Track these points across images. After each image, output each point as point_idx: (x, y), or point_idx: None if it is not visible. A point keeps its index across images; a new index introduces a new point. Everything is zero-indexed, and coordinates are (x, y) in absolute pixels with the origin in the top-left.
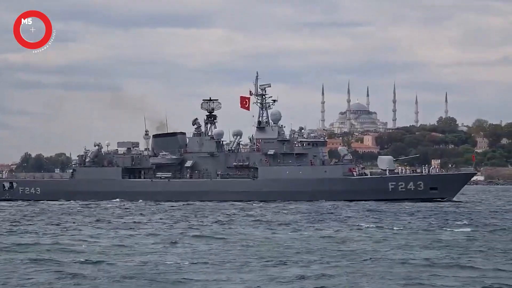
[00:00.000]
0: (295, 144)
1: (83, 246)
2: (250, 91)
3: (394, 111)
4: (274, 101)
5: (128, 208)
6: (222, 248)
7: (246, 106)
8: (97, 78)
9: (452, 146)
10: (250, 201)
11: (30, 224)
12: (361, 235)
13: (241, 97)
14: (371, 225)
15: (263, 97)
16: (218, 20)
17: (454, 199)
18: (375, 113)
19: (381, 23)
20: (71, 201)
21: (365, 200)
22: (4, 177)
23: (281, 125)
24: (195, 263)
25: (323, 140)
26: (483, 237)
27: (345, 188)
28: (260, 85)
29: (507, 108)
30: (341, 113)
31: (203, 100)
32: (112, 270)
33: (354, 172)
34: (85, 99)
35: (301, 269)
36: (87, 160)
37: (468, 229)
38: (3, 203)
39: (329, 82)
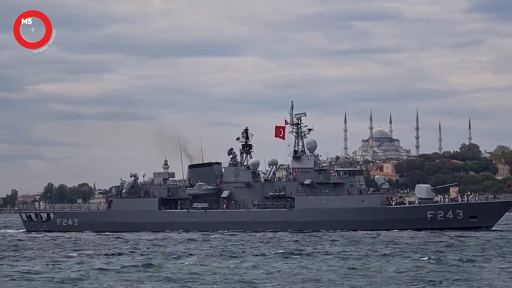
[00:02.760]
0: (332, 173)
1: None
2: (286, 120)
3: (417, 138)
4: (310, 130)
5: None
6: None
7: (281, 135)
8: (129, 108)
9: (473, 173)
10: (287, 231)
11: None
12: None
13: (276, 127)
14: None
15: (299, 126)
16: (249, 48)
17: (495, 228)
18: (398, 140)
19: (412, 50)
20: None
21: (404, 230)
22: (41, 208)
23: (317, 154)
24: None
25: (360, 169)
26: None
27: (383, 217)
28: (295, 114)
29: None
30: (364, 141)
31: (244, 130)
32: None
33: (392, 201)
34: (117, 129)
35: None
36: (123, 191)
37: None
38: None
39: (356, 109)
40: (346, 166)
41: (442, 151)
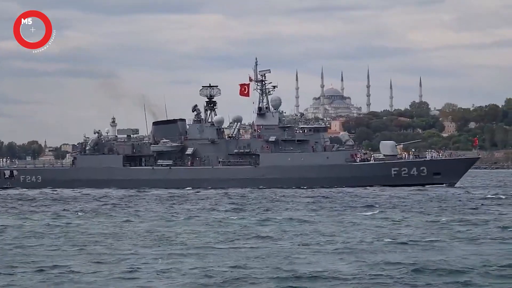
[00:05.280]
0: (296, 130)
1: None
2: (250, 77)
3: (368, 95)
4: (274, 87)
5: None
6: None
7: (246, 93)
8: (89, 65)
9: (419, 130)
10: (251, 188)
11: None
12: None
13: (240, 85)
14: None
15: (263, 83)
16: (212, 6)
17: (458, 184)
18: (349, 98)
19: (373, 7)
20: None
21: (368, 186)
22: (4, 165)
23: (282, 111)
24: None
25: (324, 126)
26: None
27: (347, 174)
28: (259, 71)
29: (497, 91)
30: (315, 99)
31: (202, 86)
32: None
33: (356, 158)
34: (77, 86)
35: None
36: (87, 148)
37: None
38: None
39: (317, 67)
40: (311, 123)
41: (393, 109)
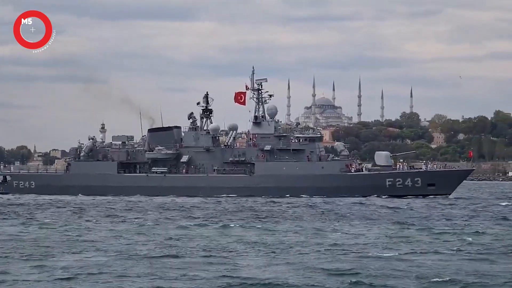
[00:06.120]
0: (292, 139)
1: None
2: (247, 86)
3: (359, 105)
4: (271, 96)
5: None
6: None
7: (242, 101)
8: (83, 71)
9: (408, 141)
10: (246, 196)
11: None
12: None
13: (236, 93)
14: None
15: (259, 92)
16: (206, 13)
17: (452, 196)
18: (340, 107)
19: (368, 18)
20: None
21: (362, 197)
22: None
23: (278, 120)
24: None
25: (320, 135)
26: None
27: (342, 184)
28: (256, 80)
29: (489, 103)
30: (307, 108)
31: (205, 95)
32: None
33: (351, 168)
34: (69, 92)
35: None
36: (81, 154)
37: None
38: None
39: (312, 76)
40: (306, 133)
41: (384, 119)
